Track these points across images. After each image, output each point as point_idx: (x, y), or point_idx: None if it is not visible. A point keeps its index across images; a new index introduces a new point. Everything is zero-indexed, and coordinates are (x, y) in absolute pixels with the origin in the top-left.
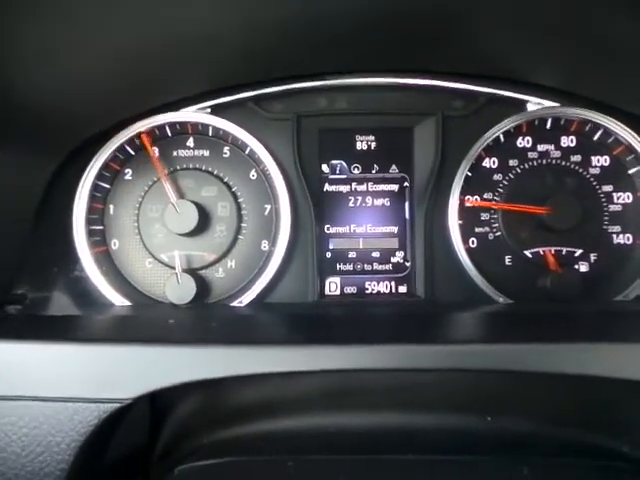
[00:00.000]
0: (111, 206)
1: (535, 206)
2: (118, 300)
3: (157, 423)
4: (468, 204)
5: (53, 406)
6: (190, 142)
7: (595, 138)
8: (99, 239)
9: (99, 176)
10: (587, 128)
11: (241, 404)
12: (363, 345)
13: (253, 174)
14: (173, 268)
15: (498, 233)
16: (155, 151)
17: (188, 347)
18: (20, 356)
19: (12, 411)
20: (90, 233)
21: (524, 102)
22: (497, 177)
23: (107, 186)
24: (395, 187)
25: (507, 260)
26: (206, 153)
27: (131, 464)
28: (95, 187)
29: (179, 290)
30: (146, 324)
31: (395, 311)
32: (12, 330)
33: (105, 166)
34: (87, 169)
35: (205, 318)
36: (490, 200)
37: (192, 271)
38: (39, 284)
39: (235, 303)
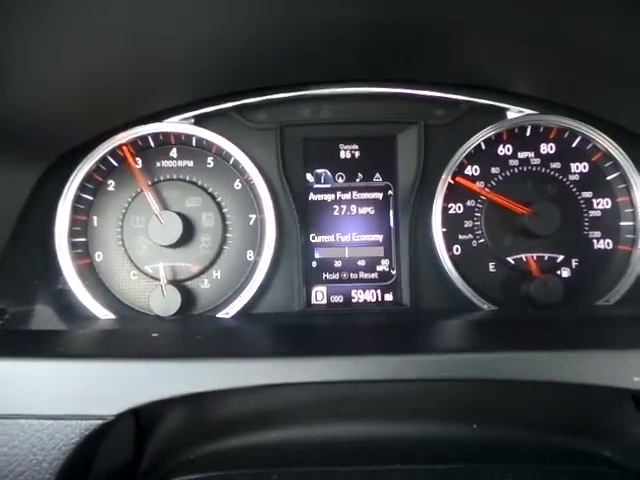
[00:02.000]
0: (94, 218)
1: (519, 205)
2: (102, 313)
3: (142, 438)
4: (458, 181)
5: (34, 424)
6: (173, 153)
7: (574, 145)
8: (82, 251)
9: (82, 188)
10: (566, 135)
11: (226, 417)
12: (348, 357)
13: (237, 184)
14: (158, 280)
15: (481, 240)
16: (138, 162)
17: (171, 362)
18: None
19: None
20: (73, 245)
21: (504, 110)
22: (479, 184)
23: (90, 198)
24: (379, 195)
25: (491, 267)
26: (190, 163)
27: None
28: (78, 199)
29: (164, 302)
30: (128, 339)
31: (381, 320)
32: None
33: (88, 177)
34: (69, 181)
35: (190, 330)
36: (473, 207)
37: (177, 282)
38: (20, 298)
39: (221, 314)
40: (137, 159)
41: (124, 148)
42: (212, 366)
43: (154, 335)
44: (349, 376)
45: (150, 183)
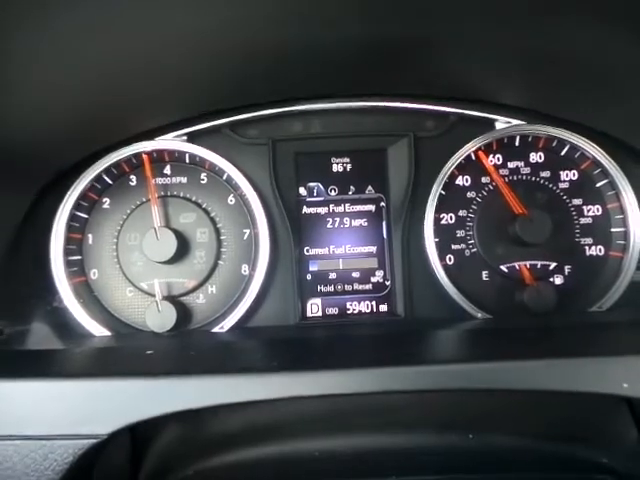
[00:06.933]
0: (90, 236)
1: (516, 206)
2: (98, 330)
3: (139, 456)
4: (479, 157)
5: (27, 444)
6: (167, 170)
7: (562, 153)
8: (78, 269)
9: (77, 206)
10: (554, 144)
11: (224, 433)
12: (342, 370)
13: (231, 199)
14: (153, 296)
15: (474, 249)
16: (133, 179)
17: (163, 379)
18: None
19: None
20: (68, 264)
21: (492, 121)
22: (470, 194)
23: (85, 216)
24: (372, 207)
25: (484, 276)
26: (184, 180)
27: None
28: (73, 217)
29: (159, 318)
30: (122, 356)
31: (376, 331)
32: None
33: (83, 196)
34: (64, 199)
35: (184, 346)
36: (465, 217)
37: (172, 298)
38: (16, 318)
39: (217, 328)
40: (132, 176)
41: (144, 157)
42: (204, 383)
43: (148, 352)
44: (343, 389)
45: (145, 200)
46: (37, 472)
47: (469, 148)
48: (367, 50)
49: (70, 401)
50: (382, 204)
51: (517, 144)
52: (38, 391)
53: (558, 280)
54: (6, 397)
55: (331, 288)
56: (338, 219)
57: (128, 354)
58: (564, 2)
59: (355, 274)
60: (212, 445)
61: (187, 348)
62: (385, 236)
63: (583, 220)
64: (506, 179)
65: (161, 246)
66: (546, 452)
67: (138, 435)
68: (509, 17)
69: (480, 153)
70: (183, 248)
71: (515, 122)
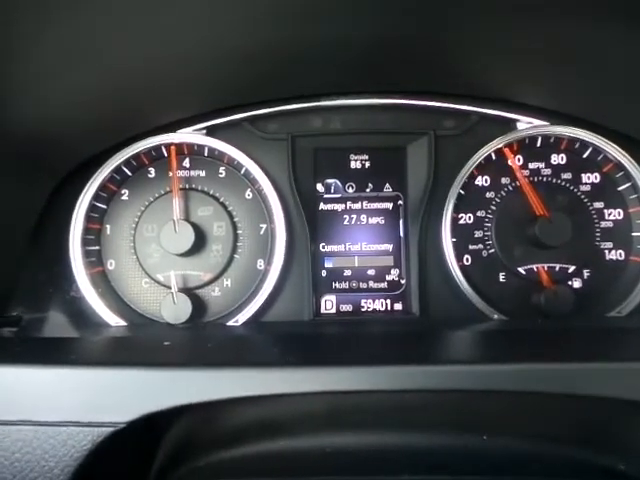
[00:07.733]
0: (108, 226)
1: (538, 207)
2: (114, 320)
3: (152, 446)
4: (504, 152)
5: (47, 430)
6: (186, 162)
7: (585, 156)
8: (95, 259)
9: (96, 197)
10: (577, 146)
11: (237, 425)
12: (357, 367)
13: (249, 194)
14: (169, 288)
15: (492, 250)
16: (152, 171)
17: (182, 370)
18: (14, 380)
19: (4, 436)
20: (86, 254)
21: (514, 121)
22: (489, 195)
23: (104, 207)
24: (389, 205)
25: (501, 277)
26: (202, 173)
27: None
28: (92, 208)
29: (175, 310)
30: (141, 346)
31: (390, 330)
32: (6, 353)
33: (102, 187)
34: (84, 190)
35: (201, 338)
36: (483, 217)
37: (188, 290)
38: (35, 305)
39: (231, 322)
40: (150, 168)
41: (171, 148)
42: (224, 375)
43: (166, 343)
44: (358, 386)
45: (163, 192)
46: (55, 458)
47: (490, 148)
48: (388, 48)
49: (90, 389)
50: (400, 202)
51: (539, 145)
52: (58, 378)
53: (577, 284)
54: (26, 383)
55: (346, 285)
56: (355, 216)
57: (147, 344)
58: (581, 1)
59: (370, 272)
60: (224, 438)
61: (202, 341)
62: (402, 234)
63: (604, 224)
64: (527, 180)
65: (178, 238)
66: (561, 457)
67: (153, 425)
68: (526, 16)
69: (506, 151)
70: (200, 241)
71: (537, 123)
